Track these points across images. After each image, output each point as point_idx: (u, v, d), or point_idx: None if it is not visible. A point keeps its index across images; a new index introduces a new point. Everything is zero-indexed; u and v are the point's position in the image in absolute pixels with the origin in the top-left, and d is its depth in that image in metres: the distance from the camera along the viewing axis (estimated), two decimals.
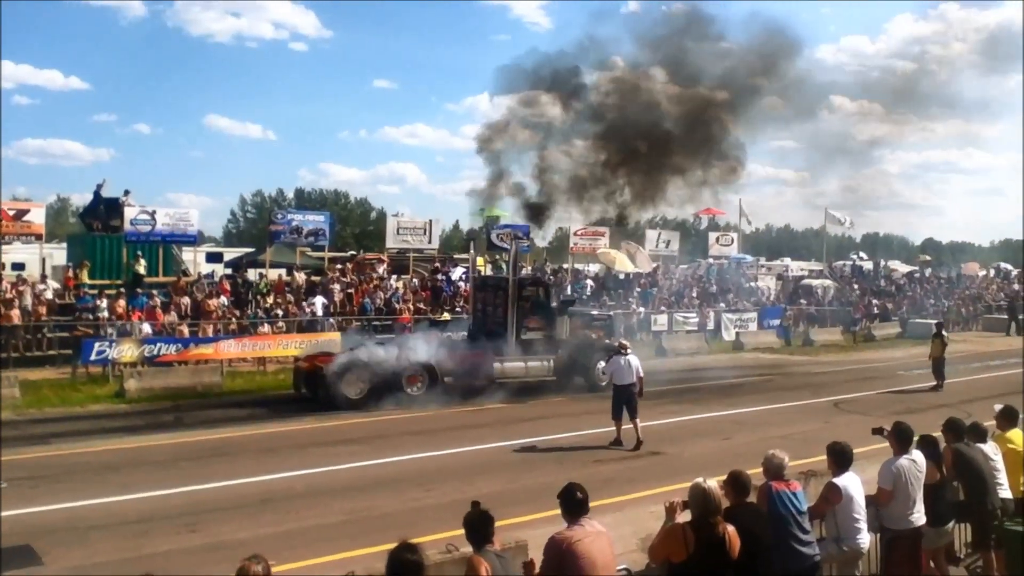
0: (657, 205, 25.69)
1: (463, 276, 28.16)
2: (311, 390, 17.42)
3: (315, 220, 28.92)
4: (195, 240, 27.84)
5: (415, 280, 28.66)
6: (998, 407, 8.10)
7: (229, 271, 29.81)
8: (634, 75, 22.29)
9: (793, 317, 33.22)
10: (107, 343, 19.16)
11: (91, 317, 20.24)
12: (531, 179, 21.96)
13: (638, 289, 31.50)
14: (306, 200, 77.37)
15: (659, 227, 39.09)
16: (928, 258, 61.73)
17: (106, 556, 8.38)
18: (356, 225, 77.81)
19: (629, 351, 14.23)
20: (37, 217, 24.04)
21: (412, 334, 20.21)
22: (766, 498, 5.71)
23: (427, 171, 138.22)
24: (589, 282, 32.07)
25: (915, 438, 6.88)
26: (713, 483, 5.08)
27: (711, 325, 29.96)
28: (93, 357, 18.95)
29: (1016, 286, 43.24)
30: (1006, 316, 36.73)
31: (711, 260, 39.51)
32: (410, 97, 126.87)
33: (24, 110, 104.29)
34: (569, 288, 29.36)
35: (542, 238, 33.95)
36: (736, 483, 5.46)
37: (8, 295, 20.64)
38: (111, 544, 8.72)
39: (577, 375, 19.31)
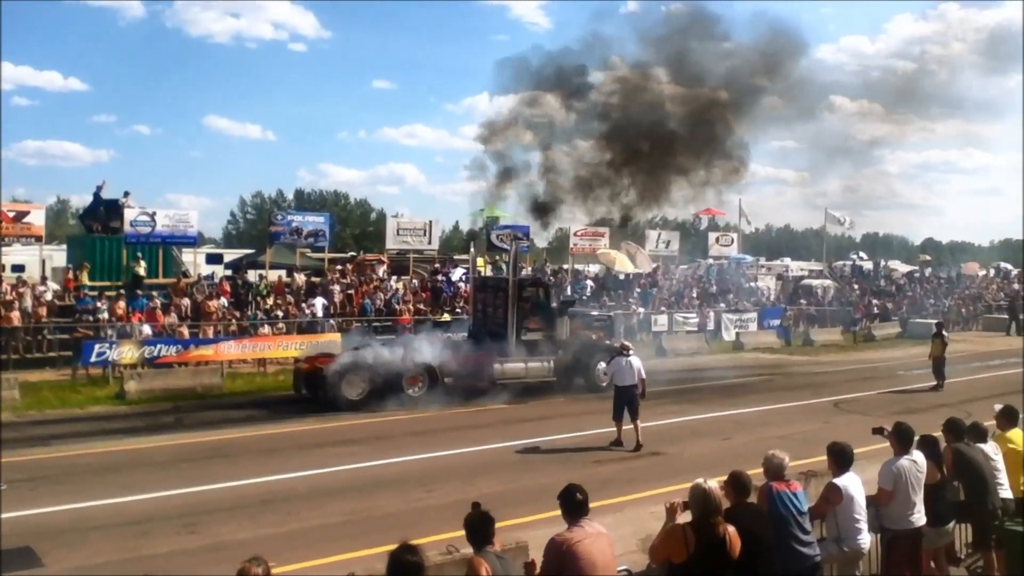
0: (661, 205, 25.71)
1: (463, 277, 28.16)
2: (311, 391, 17.42)
3: (315, 221, 28.92)
4: (195, 241, 27.83)
5: (415, 281, 28.65)
6: (998, 407, 8.10)
7: (229, 272, 29.83)
8: (637, 74, 22.26)
9: (793, 317, 33.23)
10: (107, 345, 19.16)
11: (91, 319, 20.25)
12: (534, 179, 21.94)
13: (638, 289, 31.52)
14: (306, 201, 77.33)
15: (659, 227, 39.08)
16: (928, 258, 61.71)
17: (106, 557, 8.39)
18: (356, 226, 77.76)
19: (631, 352, 14.21)
20: (37, 219, 24.05)
21: (412, 335, 20.20)
22: (766, 498, 5.71)
23: (426, 171, 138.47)
24: (589, 282, 32.07)
25: (915, 438, 6.88)
26: (713, 483, 5.08)
27: (711, 325, 29.96)
28: (93, 359, 18.95)
29: (1016, 286, 43.26)
30: (1006, 316, 36.74)
31: (711, 260, 39.51)
32: (409, 97, 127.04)
33: (23, 111, 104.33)
34: (569, 289, 29.35)
35: (544, 239, 33.96)
36: (736, 483, 5.46)
37: (8, 297, 20.65)
38: (111, 545, 8.72)
39: (577, 376, 19.32)
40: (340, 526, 9.53)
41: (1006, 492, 7.34)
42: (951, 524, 7.21)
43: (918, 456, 6.72)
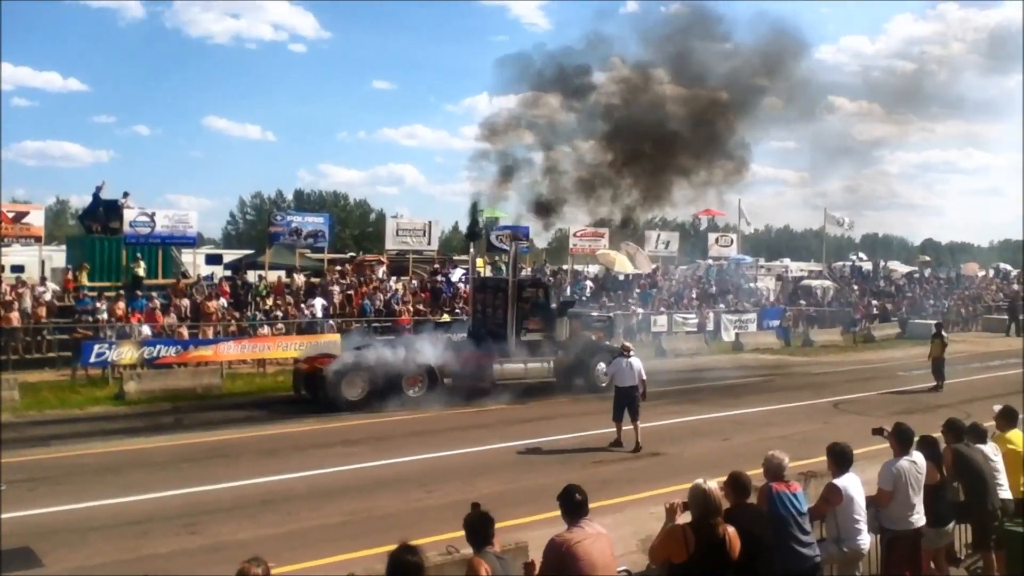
0: (663, 206, 25.69)
1: (463, 277, 28.16)
2: (311, 392, 17.42)
3: (314, 221, 28.94)
4: (194, 242, 27.83)
5: (414, 281, 28.66)
6: (997, 408, 8.10)
7: (228, 273, 29.83)
8: (639, 74, 22.23)
9: (793, 318, 33.24)
10: (107, 345, 19.15)
11: (90, 319, 20.24)
12: (535, 179, 21.89)
13: (638, 290, 31.54)
14: (305, 201, 77.35)
15: (658, 228, 39.09)
16: (928, 259, 61.70)
17: (106, 558, 8.38)
18: (355, 227, 77.77)
19: (632, 353, 14.20)
20: (36, 219, 24.05)
21: (412, 335, 20.19)
22: (766, 499, 5.72)
23: (426, 172, 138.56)
24: (589, 283, 32.08)
25: (915, 439, 6.89)
26: (713, 484, 5.08)
27: (711, 326, 29.96)
28: (92, 359, 18.93)
29: (1016, 286, 43.27)
30: (1006, 316, 36.76)
31: (710, 261, 39.53)
32: (409, 98, 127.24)
33: (23, 112, 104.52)
34: (569, 289, 29.37)
35: (544, 239, 33.93)
36: (736, 484, 5.46)
37: (7, 297, 20.64)
38: (111, 546, 8.72)
39: (577, 376, 19.31)
40: (340, 526, 9.53)
41: (1006, 493, 7.34)
42: (951, 525, 7.21)
43: (918, 457, 6.73)
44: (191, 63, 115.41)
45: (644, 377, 13.89)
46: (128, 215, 24.55)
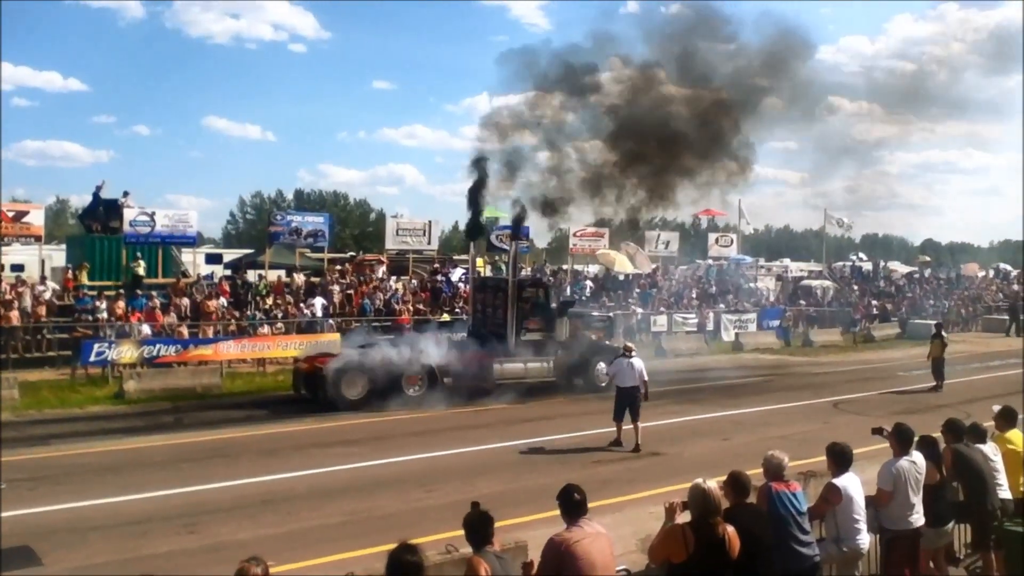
0: (668, 207, 25.61)
1: (463, 277, 28.16)
2: (311, 391, 17.42)
3: (314, 221, 28.93)
4: (194, 241, 27.85)
5: (414, 281, 28.67)
6: (997, 408, 8.11)
7: (228, 272, 29.83)
8: (643, 74, 22.15)
9: (792, 318, 33.23)
10: (106, 344, 19.15)
11: (90, 318, 20.24)
12: (536, 179, 21.80)
13: (637, 290, 31.53)
14: (305, 201, 77.30)
15: (658, 228, 39.10)
16: (928, 259, 61.69)
17: (106, 557, 8.39)
18: (355, 226, 77.72)
19: (634, 353, 14.19)
20: (36, 219, 24.06)
21: (411, 335, 20.18)
22: (766, 499, 5.72)
23: (425, 172, 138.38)
24: (588, 283, 32.07)
25: (915, 439, 6.89)
26: (713, 484, 5.08)
27: (710, 326, 29.95)
28: (92, 358, 18.94)
29: (1016, 287, 43.28)
30: (1007, 317, 36.76)
31: (710, 261, 39.53)
32: (409, 98, 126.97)
33: (23, 112, 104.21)
34: (568, 289, 29.37)
35: (544, 239, 33.86)
36: (736, 484, 5.46)
37: (7, 296, 20.65)
38: (111, 545, 8.72)
39: (577, 376, 19.31)
40: (339, 526, 9.53)
41: (1005, 493, 7.35)
42: (950, 524, 7.22)
43: (917, 457, 6.73)
44: (191, 63, 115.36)
45: (646, 378, 13.88)
46: (128, 214, 24.56)
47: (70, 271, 23.52)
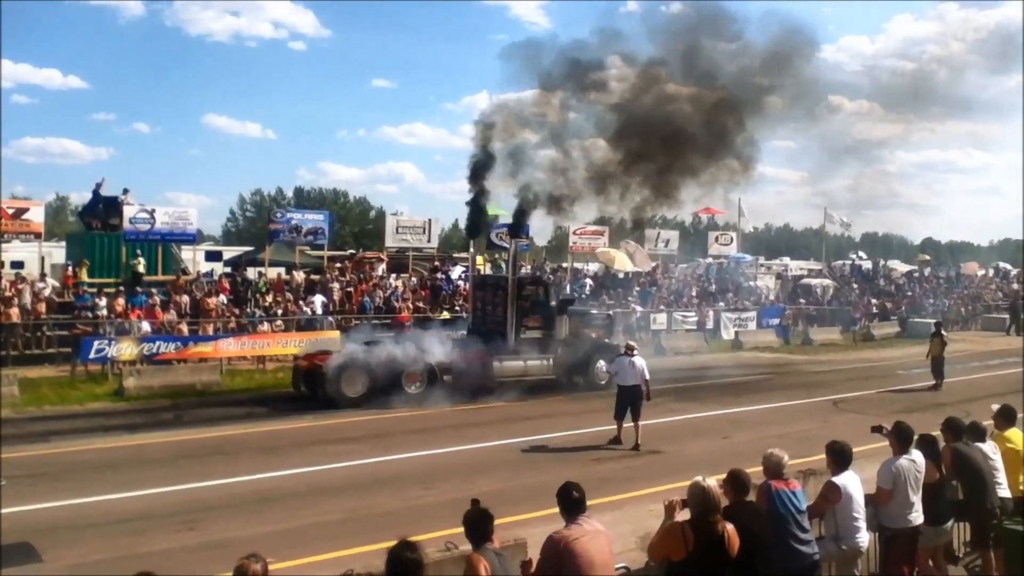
0: (671, 205, 25.54)
1: (462, 275, 28.16)
2: (310, 388, 17.42)
3: (314, 219, 28.89)
4: (194, 239, 27.84)
5: (414, 279, 28.66)
6: (996, 407, 8.11)
7: (228, 270, 29.76)
8: (647, 73, 22.09)
9: (792, 316, 33.23)
10: (106, 341, 19.14)
11: (90, 315, 20.23)
12: (537, 177, 21.75)
13: (637, 288, 31.51)
14: (305, 199, 77.24)
15: (658, 226, 39.08)
16: (927, 258, 61.67)
17: (105, 554, 8.39)
18: (355, 224, 77.66)
19: (635, 352, 14.17)
20: (36, 216, 24.02)
21: (411, 332, 20.19)
22: (765, 497, 5.72)
23: (425, 170, 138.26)
24: (588, 281, 32.06)
25: (914, 437, 6.89)
26: (712, 482, 5.08)
27: (710, 324, 29.94)
28: (92, 355, 18.93)
29: (1016, 286, 43.28)
30: (1006, 316, 36.78)
31: (710, 259, 39.52)
32: (408, 96, 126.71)
33: (23, 109, 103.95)
34: (568, 287, 29.36)
35: (544, 237, 33.79)
36: (735, 482, 5.46)
37: (7, 293, 20.63)
38: (110, 542, 8.73)
39: (577, 374, 19.32)
40: (339, 523, 9.54)
41: (1004, 491, 7.35)
42: (950, 523, 7.22)
43: (917, 455, 6.73)
44: (191, 61, 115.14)
45: (647, 377, 13.85)
46: (128, 212, 24.53)
47: (70, 268, 23.51)
